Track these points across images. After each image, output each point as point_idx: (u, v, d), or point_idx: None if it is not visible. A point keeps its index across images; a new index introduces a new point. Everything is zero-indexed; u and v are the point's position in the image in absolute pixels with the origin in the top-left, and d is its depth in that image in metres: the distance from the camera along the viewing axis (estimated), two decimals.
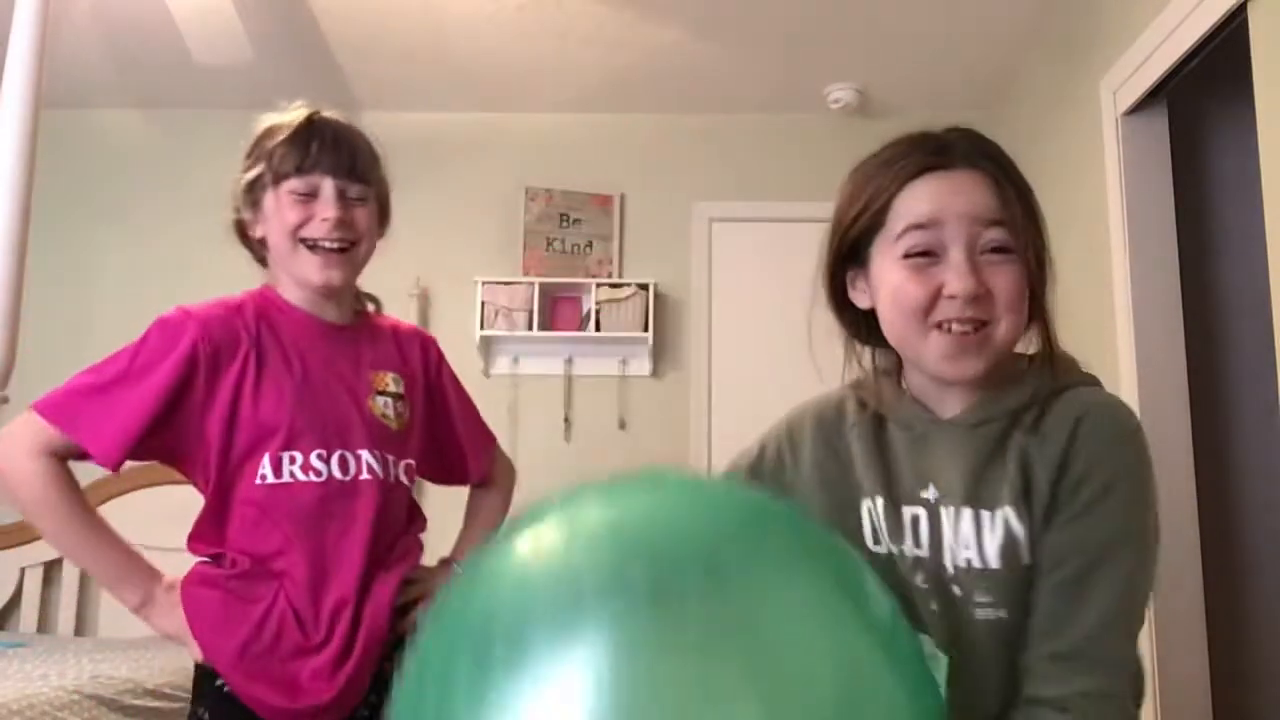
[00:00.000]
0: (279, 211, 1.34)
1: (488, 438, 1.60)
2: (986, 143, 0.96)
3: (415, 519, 1.46)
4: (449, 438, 1.52)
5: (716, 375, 3.52)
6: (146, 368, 1.27)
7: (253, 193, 1.36)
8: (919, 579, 0.95)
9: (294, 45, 3.16)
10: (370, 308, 1.50)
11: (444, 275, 3.55)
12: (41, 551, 3.28)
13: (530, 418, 3.45)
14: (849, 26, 3.02)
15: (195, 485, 1.36)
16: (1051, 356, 0.96)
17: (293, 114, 1.38)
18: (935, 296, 0.91)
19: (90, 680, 2.31)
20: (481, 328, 3.41)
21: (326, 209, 1.33)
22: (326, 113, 1.40)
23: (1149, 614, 1.84)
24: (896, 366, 1.04)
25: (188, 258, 3.11)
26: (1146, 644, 2.21)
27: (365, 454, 1.34)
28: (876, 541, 0.98)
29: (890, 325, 0.96)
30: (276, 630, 1.28)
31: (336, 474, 1.31)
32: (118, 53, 3.22)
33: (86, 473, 1.31)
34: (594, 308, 3.43)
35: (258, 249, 1.41)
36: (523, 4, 2.94)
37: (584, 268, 3.56)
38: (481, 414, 1.60)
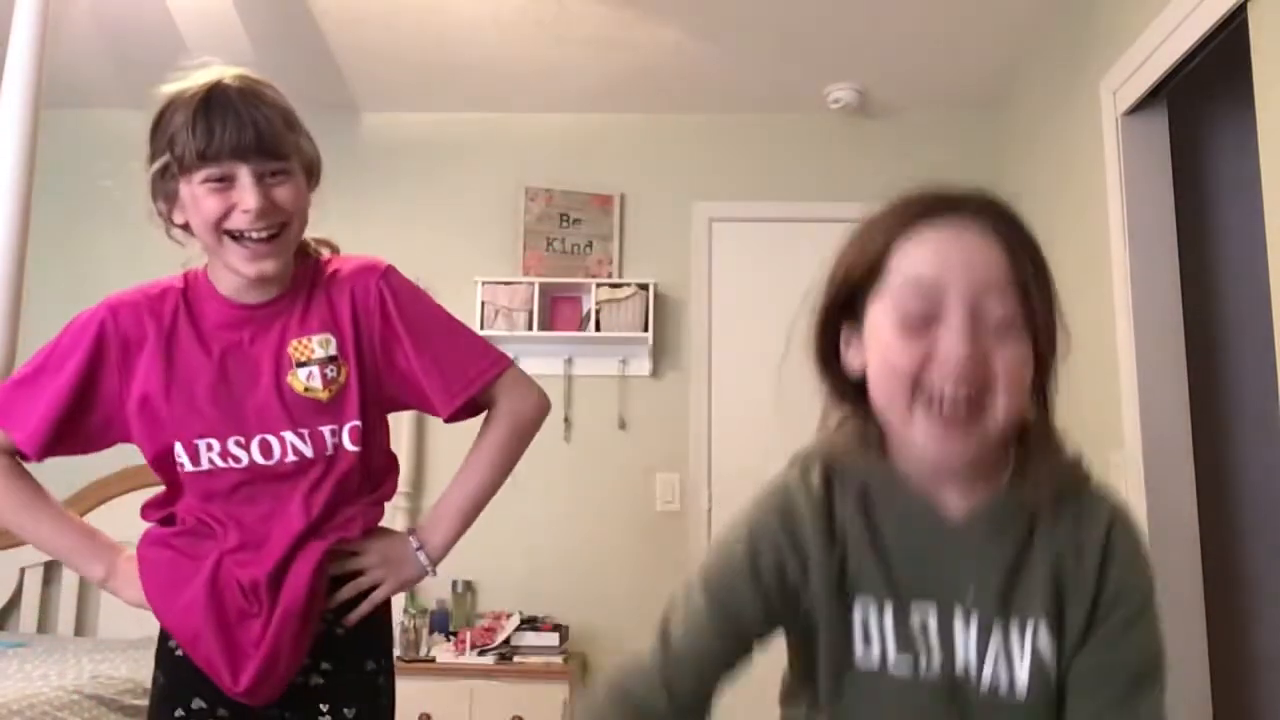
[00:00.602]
0: (196, 203, 1.24)
1: (474, 369, 1.39)
2: (1002, 204, 0.87)
3: (381, 484, 1.38)
4: (407, 374, 1.36)
5: (716, 375, 3.52)
6: (63, 358, 1.31)
7: (164, 182, 1.27)
8: (934, 700, 0.88)
9: (294, 45, 3.16)
10: (325, 254, 1.40)
11: (444, 275, 3.53)
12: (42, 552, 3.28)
13: None
14: (849, 26, 3.02)
15: None
16: (1047, 444, 0.89)
17: (191, 86, 1.24)
18: (927, 361, 0.82)
19: (90, 680, 2.32)
20: (481, 327, 3.40)
21: (246, 198, 1.22)
22: (229, 79, 1.24)
23: None
24: (879, 437, 0.91)
25: (188, 257, 3.10)
26: None
27: (289, 435, 1.29)
28: (866, 642, 0.89)
29: (878, 391, 0.87)
30: (223, 588, 1.27)
31: (259, 459, 1.29)
32: (118, 53, 3.21)
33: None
34: (594, 308, 3.43)
35: (187, 233, 1.31)
36: (523, 4, 2.94)
37: (584, 268, 3.56)
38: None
